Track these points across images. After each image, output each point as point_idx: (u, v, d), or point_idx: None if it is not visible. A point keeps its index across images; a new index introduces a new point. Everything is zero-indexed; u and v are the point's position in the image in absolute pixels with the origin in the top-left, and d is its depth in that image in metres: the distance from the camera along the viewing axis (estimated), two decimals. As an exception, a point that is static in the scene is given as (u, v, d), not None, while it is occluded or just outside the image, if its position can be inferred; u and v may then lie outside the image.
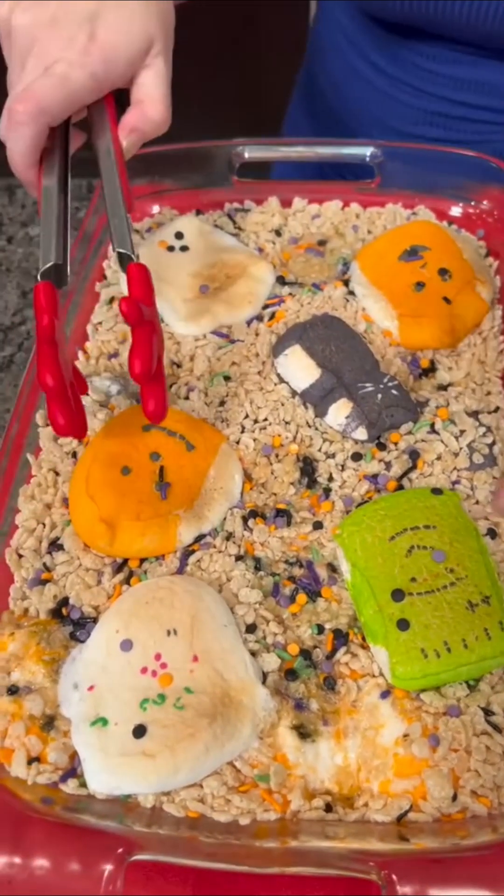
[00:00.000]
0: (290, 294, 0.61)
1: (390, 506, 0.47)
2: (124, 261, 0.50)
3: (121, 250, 0.50)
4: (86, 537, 0.48)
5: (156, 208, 0.69)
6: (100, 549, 0.47)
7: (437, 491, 0.48)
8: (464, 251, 0.61)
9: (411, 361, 0.58)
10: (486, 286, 0.59)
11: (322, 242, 0.66)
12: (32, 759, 0.42)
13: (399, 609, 0.43)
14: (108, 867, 0.37)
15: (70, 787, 0.41)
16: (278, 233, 0.66)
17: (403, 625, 0.43)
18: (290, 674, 0.44)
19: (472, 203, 0.67)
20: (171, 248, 0.62)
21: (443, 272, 0.59)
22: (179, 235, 0.63)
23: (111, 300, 0.62)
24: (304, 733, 0.42)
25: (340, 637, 0.45)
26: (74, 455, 0.52)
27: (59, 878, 0.37)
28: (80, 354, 0.59)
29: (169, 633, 0.43)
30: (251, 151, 0.69)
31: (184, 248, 0.62)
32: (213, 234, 0.64)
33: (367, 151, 0.69)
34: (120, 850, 0.38)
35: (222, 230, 0.66)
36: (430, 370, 0.58)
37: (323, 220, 0.67)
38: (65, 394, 0.44)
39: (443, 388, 0.57)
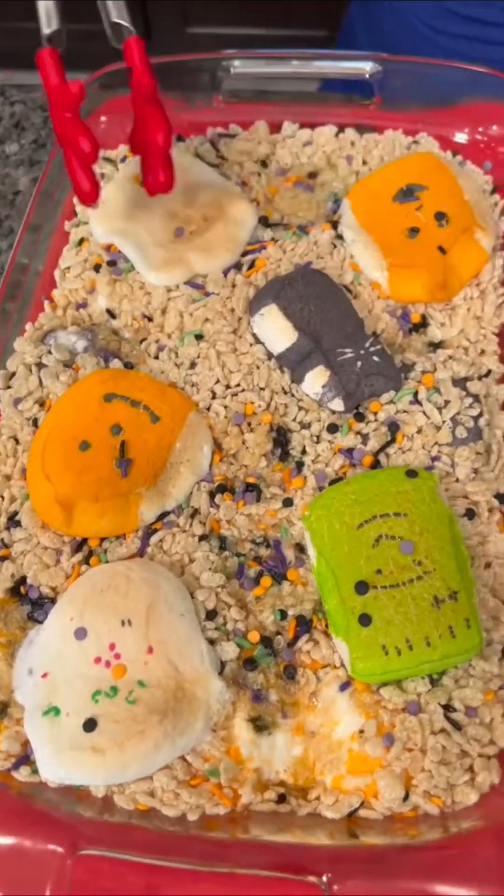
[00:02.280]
0: (273, 239, 0.56)
1: (362, 488, 0.45)
2: (121, 34, 0.49)
3: (118, 21, 0.48)
4: (43, 516, 0.46)
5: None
6: (57, 529, 0.46)
7: (411, 473, 0.45)
8: (465, 190, 0.55)
9: (401, 315, 0.54)
10: (487, 233, 0.54)
11: (312, 175, 0.60)
12: (-14, 745, 0.42)
13: (362, 603, 0.42)
14: (58, 859, 0.38)
15: (22, 774, 0.41)
16: (264, 163, 0.60)
17: (365, 620, 0.41)
18: (249, 663, 0.43)
19: (481, 129, 0.60)
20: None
21: (440, 216, 0.54)
22: (155, 168, 0.58)
23: (80, 241, 0.58)
24: (260, 725, 0.42)
25: (303, 624, 0.44)
26: (35, 423, 0.50)
27: (10, 866, 0.38)
28: (46, 304, 0.56)
29: (123, 623, 0.42)
30: (239, 67, 0.62)
31: (159, 184, 0.57)
32: (193, 167, 0.58)
33: (366, 66, 0.62)
34: (69, 843, 0.38)
35: (203, 160, 0.60)
36: (422, 325, 0.54)
37: (315, 147, 0.61)
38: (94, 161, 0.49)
39: (434, 345, 0.53)
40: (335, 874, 0.37)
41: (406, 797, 0.39)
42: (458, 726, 0.41)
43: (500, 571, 0.46)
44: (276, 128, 0.63)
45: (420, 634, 0.41)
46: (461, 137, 0.61)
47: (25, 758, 0.41)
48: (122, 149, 0.62)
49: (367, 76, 0.62)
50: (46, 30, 0.48)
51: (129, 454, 0.47)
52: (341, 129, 0.62)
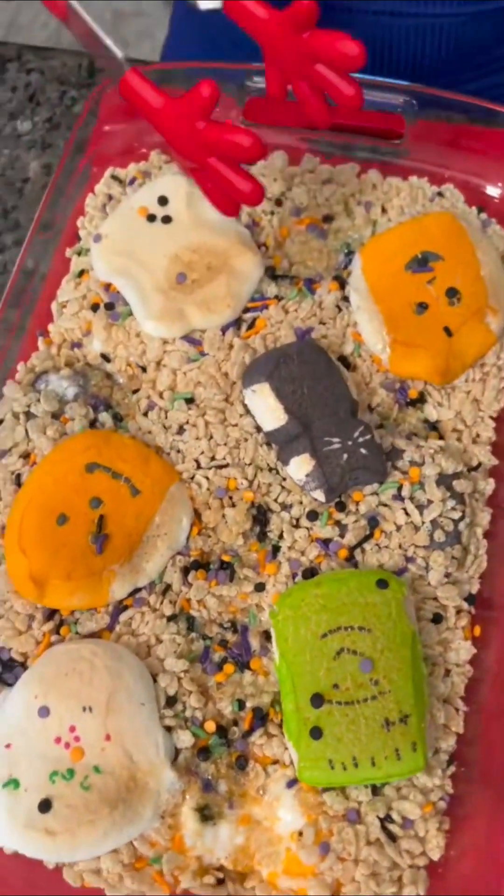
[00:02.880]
0: (277, 297, 0.54)
1: (331, 594, 0.45)
2: None
3: None
4: (16, 586, 0.47)
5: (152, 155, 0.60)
6: (29, 600, 0.47)
7: (382, 583, 0.45)
8: (484, 264, 0.52)
9: (399, 389, 0.53)
10: (498, 316, 0.52)
11: (327, 218, 0.57)
12: None
13: (315, 716, 0.43)
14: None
15: (-20, 837, 0.44)
16: (279, 202, 0.57)
17: (316, 733, 0.43)
18: (203, 752, 0.45)
19: (513, 186, 0.57)
20: (151, 218, 0.55)
21: (452, 293, 0.52)
22: (163, 201, 0.55)
23: (80, 273, 0.56)
24: (206, 815, 0.44)
25: (260, 717, 0.45)
26: (18, 479, 0.50)
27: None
28: (41, 342, 0.54)
29: (84, 708, 0.44)
30: (261, 84, 0.58)
31: (166, 219, 0.55)
32: (202, 203, 0.55)
33: (399, 99, 0.58)
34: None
35: (215, 192, 0.57)
36: (419, 401, 0.53)
37: (334, 188, 0.58)
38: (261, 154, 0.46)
39: (429, 423, 0.52)
40: None
41: (334, 903, 0.42)
42: (393, 838, 0.43)
43: (457, 680, 0.47)
44: (295, 157, 0.59)
45: (367, 754, 0.42)
46: (493, 191, 0.57)
47: (-16, 820, 0.44)
48: (133, 168, 0.59)
49: (400, 108, 0.58)
50: (120, 53, 0.47)
51: (107, 529, 0.47)
52: (364, 166, 0.58)
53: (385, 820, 0.43)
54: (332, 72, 0.49)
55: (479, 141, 0.58)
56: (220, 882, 0.43)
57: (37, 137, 0.72)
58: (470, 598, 0.49)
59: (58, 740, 0.43)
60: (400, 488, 0.49)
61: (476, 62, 0.73)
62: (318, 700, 0.43)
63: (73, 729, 0.43)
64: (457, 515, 0.48)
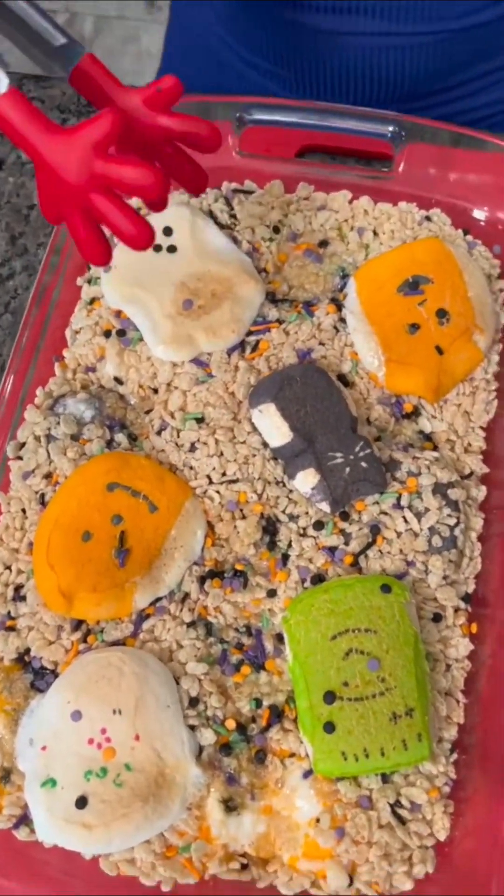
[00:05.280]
0: (278, 320, 0.57)
1: (338, 599, 0.49)
2: (72, 55, 0.45)
3: (63, 41, 0.44)
4: (45, 600, 0.50)
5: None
6: (57, 612, 0.50)
7: (385, 588, 0.49)
8: (470, 286, 0.56)
9: (395, 403, 0.56)
10: (485, 334, 0.56)
11: (323, 244, 0.61)
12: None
13: (328, 711, 0.47)
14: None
15: (21, 834, 0.47)
16: (276, 229, 0.61)
17: (329, 728, 0.46)
18: (225, 748, 0.48)
19: (500, 214, 0.60)
20: (157, 248, 0.58)
21: (441, 314, 0.55)
22: (168, 231, 0.59)
23: (92, 301, 0.59)
24: (231, 806, 0.48)
25: (276, 714, 0.49)
26: (42, 499, 0.53)
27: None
28: (57, 367, 0.58)
29: (115, 711, 0.47)
30: (254, 116, 0.62)
31: (171, 249, 0.58)
32: (205, 232, 0.59)
33: (387, 128, 0.61)
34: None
35: (215, 220, 0.60)
36: (414, 414, 0.56)
37: (328, 214, 0.61)
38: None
39: (424, 435, 0.56)
40: None
41: (350, 882, 0.46)
42: (402, 821, 0.47)
43: (457, 675, 0.51)
44: (292, 184, 0.63)
45: (376, 745, 0.46)
46: (479, 214, 0.61)
47: (24, 818, 0.48)
48: (135, 201, 0.62)
49: (388, 137, 0.61)
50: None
51: (128, 543, 0.51)
52: (356, 194, 0.62)
53: (395, 805, 0.47)
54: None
55: (465, 165, 0.61)
56: (245, 867, 0.47)
57: (40, 166, 0.75)
58: (466, 598, 0.52)
59: (90, 741, 0.47)
60: (399, 498, 0.53)
61: (458, 80, 0.77)
62: (330, 697, 0.47)
63: (104, 731, 0.47)
64: (452, 522, 0.52)
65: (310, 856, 0.47)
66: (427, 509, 0.52)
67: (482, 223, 0.61)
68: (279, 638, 0.51)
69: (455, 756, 0.49)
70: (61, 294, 0.61)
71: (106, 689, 0.47)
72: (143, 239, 0.45)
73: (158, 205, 0.51)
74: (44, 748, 0.47)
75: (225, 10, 0.77)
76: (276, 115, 0.63)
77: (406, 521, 0.52)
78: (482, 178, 0.61)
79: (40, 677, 0.50)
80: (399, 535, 0.52)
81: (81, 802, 0.46)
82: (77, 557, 0.50)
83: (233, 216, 0.61)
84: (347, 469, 0.52)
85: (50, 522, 0.51)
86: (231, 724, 0.49)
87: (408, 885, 0.46)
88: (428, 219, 0.61)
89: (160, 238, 0.58)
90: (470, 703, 0.50)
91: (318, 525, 0.53)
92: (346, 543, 0.52)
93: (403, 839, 0.46)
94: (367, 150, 0.65)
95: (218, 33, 0.80)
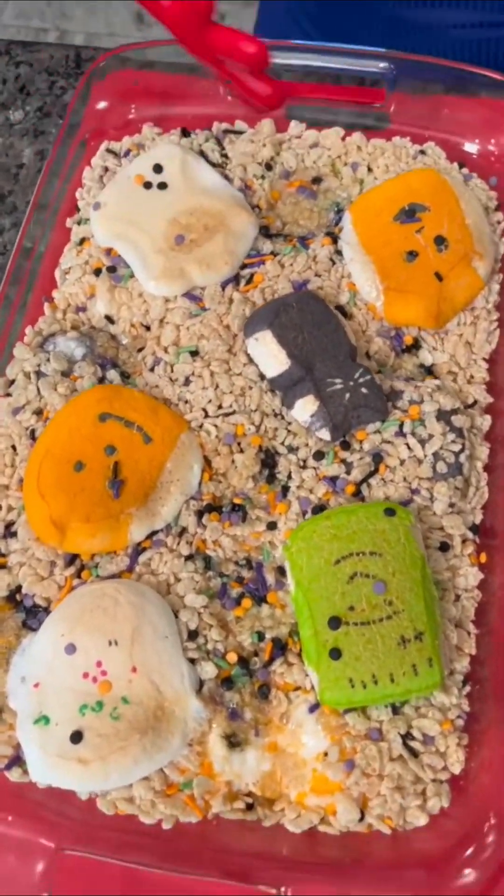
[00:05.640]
0: (273, 253, 0.56)
1: (341, 524, 0.47)
2: None
3: None
4: (37, 533, 0.48)
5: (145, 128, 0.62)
6: (50, 545, 0.48)
7: (389, 511, 0.47)
8: (467, 214, 0.55)
9: (394, 337, 0.55)
10: (484, 261, 0.54)
11: (316, 180, 0.60)
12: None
13: (334, 637, 0.45)
14: (43, 855, 0.42)
15: (14, 774, 0.45)
16: (269, 166, 0.60)
17: (335, 654, 0.44)
18: (227, 682, 0.46)
19: (493, 140, 0.59)
20: (147, 185, 0.57)
21: (439, 241, 0.54)
22: (158, 168, 0.57)
23: (81, 241, 0.58)
24: (234, 742, 0.45)
25: (279, 647, 0.47)
26: (32, 434, 0.51)
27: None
28: (46, 307, 0.56)
29: (110, 643, 0.45)
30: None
31: (162, 186, 0.57)
32: (196, 169, 0.58)
33: (379, 64, 0.60)
34: (55, 841, 0.42)
35: (206, 159, 0.59)
36: (414, 347, 0.55)
37: (320, 151, 0.60)
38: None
39: (425, 368, 0.54)
40: (292, 884, 0.41)
41: (362, 818, 0.43)
42: (414, 754, 0.44)
43: (467, 605, 0.48)
44: (283, 124, 0.62)
45: (385, 671, 0.44)
46: (471, 147, 0.60)
47: (17, 759, 0.45)
48: (127, 141, 0.61)
49: (381, 74, 0.61)
50: None
51: (122, 475, 0.49)
52: (348, 131, 0.61)
53: (406, 737, 0.45)
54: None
55: (457, 102, 0.60)
56: (250, 807, 0.45)
57: (29, 126, 0.74)
58: (474, 529, 0.50)
59: (85, 675, 0.45)
60: (401, 425, 0.51)
61: None
62: (335, 622, 0.45)
63: (99, 664, 0.45)
64: (457, 448, 0.50)
65: (318, 791, 0.44)
66: (431, 435, 0.50)
67: (475, 157, 0.60)
68: (281, 571, 0.49)
69: (468, 689, 0.47)
70: (51, 243, 0.60)
71: (101, 619, 0.45)
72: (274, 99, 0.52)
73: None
74: (36, 685, 0.45)
75: (315, 8, 0.76)
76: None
77: (409, 447, 0.50)
78: (474, 113, 0.60)
79: (32, 616, 0.48)
80: (402, 462, 0.50)
81: (76, 737, 0.43)
82: (69, 487, 0.48)
83: (224, 156, 0.60)
84: (347, 395, 0.50)
85: (40, 453, 0.49)
86: (232, 657, 0.46)
87: (422, 820, 0.44)
88: (422, 152, 0.60)
89: (150, 175, 0.57)
90: (482, 635, 0.48)
91: (319, 455, 0.51)
92: (348, 472, 0.50)
93: (416, 772, 0.44)
94: (356, 100, 0.64)
95: (305, 31, 0.78)
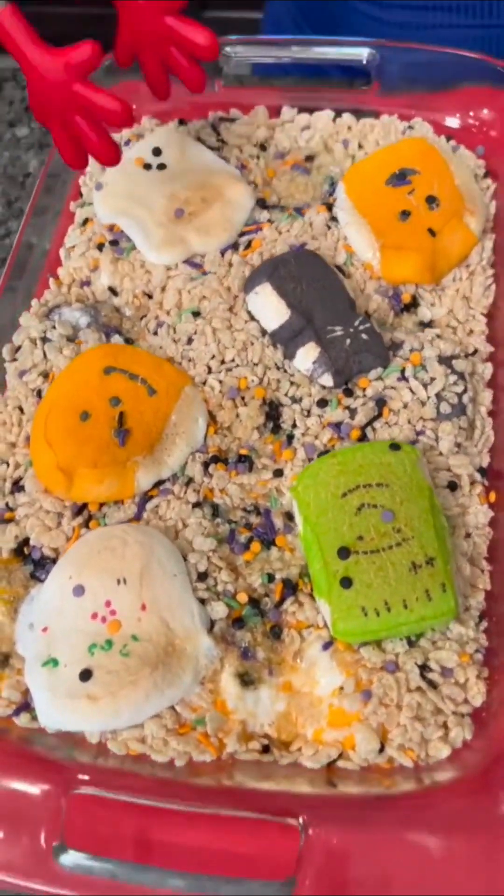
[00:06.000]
0: (269, 220, 0.58)
1: (346, 460, 0.47)
2: None
3: None
4: (45, 482, 0.48)
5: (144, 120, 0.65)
6: (58, 494, 0.48)
7: (395, 447, 0.47)
8: (457, 175, 0.57)
9: (392, 295, 0.56)
10: (476, 217, 0.56)
11: (309, 158, 0.62)
12: (-13, 694, 0.44)
13: (344, 567, 0.44)
14: (53, 798, 0.40)
15: (22, 720, 0.44)
16: (263, 147, 0.62)
17: (346, 583, 0.44)
18: (238, 622, 0.45)
19: (472, 114, 0.62)
20: (147, 166, 0.59)
21: (430, 200, 0.56)
22: (157, 151, 0.60)
23: (85, 221, 0.60)
24: (247, 681, 0.44)
25: (289, 587, 0.46)
26: (39, 394, 0.52)
27: (6, 804, 0.41)
28: (52, 282, 0.58)
29: (119, 581, 0.44)
30: (239, 52, 0.64)
31: (161, 166, 0.59)
32: (193, 150, 0.60)
33: (363, 52, 0.63)
34: (64, 783, 0.41)
35: (203, 143, 0.62)
36: (412, 305, 0.56)
37: (312, 132, 0.63)
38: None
39: (424, 325, 0.55)
40: (312, 818, 0.39)
41: (382, 750, 0.42)
42: (433, 685, 0.43)
43: (479, 541, 0.48)
44: (275, 112, 0.64)
45: (398, 597, 0.43)
46: (454, 122, 0.62)
47: (25, 705, 0.44)
48: (126, 131, 0.64)
49: (364, 62, 0.64)
50: None
51: (127, 425, 0.49)
52: (339, 114, 0.63)
53: (424, 669, 0.44)
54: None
55: (440, 78, 0.63)
56: (266, 749, 0.43)
57: (34, 140, 0.77)
58: (482, 472, 0.50)
59: (94, 616, 0.44)
60: (403, 371, 0.51)
61: None
62: (344, 552, 0.44)
63: (108, 604, 0.44)
64: (460, 389, 0.51)
65: (335, 724, 0.43)
66: (433, 378, 0.51)
67: (459, 130, 0.62)
68: (289, 516, 0.49)
69: (485, 624, 0.46)
70: (53, 240, 0.62)
71: (109, 559, 0.45)
72: (110, 158, 0.52)
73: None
74: (45, 629, 0.45)
75: (305, 7, 0.79)
76: (255, 52, 0.65)
77: (412, 391, 0.51)
78: (458, 94, 0.63)
79: (40, 567, 0.48)
80: (406, 405, 0.50)
81: (86, 675, 0.42)
82: (76, 435, 0.48)
83: (221, 140, 0.63)
84: (348, 341, 0.51)
85: (47, 405, 0.49)
86: (243, 597, 0.46)
87: (445, 752, 0.42)
88: (411, 128, 0.62)
89: (150, 157, 0.60)
90: (496, 573, 0.47)
91: (322, 403, 0.51)
92: (352, 417, 0.51)
93: (436, 702, 0.43)
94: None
95: (298, 26, 0.81)
